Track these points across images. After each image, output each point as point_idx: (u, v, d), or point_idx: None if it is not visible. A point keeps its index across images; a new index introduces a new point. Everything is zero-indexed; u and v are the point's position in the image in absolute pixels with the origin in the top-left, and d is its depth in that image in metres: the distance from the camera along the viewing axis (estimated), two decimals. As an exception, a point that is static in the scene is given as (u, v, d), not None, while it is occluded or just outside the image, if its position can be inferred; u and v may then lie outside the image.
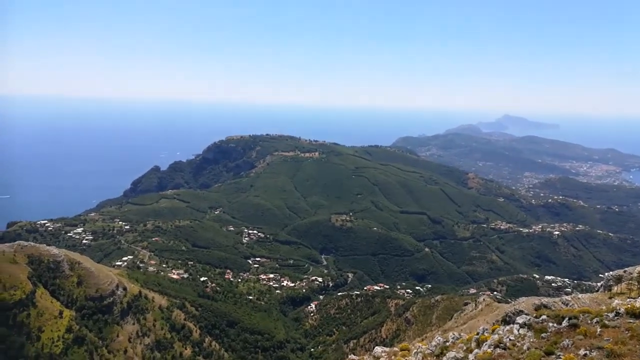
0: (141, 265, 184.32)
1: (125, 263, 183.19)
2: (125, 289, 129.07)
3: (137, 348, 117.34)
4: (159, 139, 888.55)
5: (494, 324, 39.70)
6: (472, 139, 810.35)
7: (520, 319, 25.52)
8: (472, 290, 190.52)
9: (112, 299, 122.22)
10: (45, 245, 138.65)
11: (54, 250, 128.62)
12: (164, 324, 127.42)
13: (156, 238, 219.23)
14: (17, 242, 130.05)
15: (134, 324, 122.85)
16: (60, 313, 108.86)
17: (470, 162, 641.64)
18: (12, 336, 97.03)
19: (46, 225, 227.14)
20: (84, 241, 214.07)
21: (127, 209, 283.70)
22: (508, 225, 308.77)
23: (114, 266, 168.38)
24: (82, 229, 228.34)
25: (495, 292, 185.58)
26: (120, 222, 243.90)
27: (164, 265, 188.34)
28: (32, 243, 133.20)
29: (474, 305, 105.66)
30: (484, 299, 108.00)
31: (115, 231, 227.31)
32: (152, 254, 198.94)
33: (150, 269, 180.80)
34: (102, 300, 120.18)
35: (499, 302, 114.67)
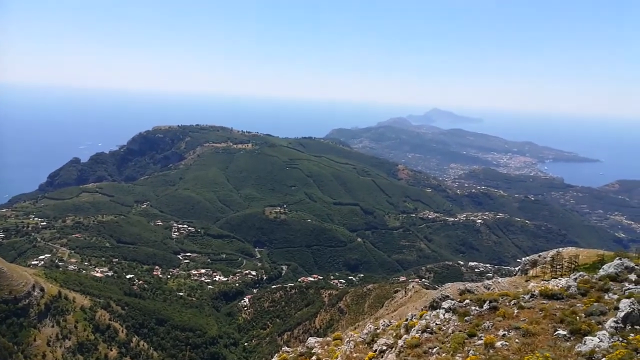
0: (60, 264, 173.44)
1: (42, 262, 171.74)
2: (42, 289, 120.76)
3: (57, 352, 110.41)
4: (77, 130, 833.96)
5: (422, 309, 40.79)
6: (402, 131, 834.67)
7: (445, 304, 26.16)
8: (402, 278, 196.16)
9: (27, 300, 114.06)
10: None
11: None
12: (86, 325, 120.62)
13: (77, 234, 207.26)
14: None
15: (53, 326, 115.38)
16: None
17: (400, 154, 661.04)
18: None
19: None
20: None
21: (43, 204, 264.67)
22: (435, 214, 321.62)
23: (29, 266, 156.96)
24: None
25: (423, 279, 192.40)
26: (35, 218, 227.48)
27: (85, 264, 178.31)
28: None
29: (403, 292, 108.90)
30: (413, 286, 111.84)
31: (30, 228, 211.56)
32: (73, 251, 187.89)
33: (71, 267, 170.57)
34: (16, 302, 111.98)
35: (427, 288, 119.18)
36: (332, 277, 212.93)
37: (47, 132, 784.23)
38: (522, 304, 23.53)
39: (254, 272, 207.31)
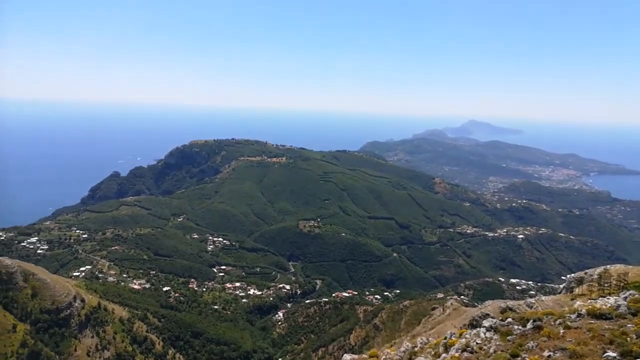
0: (100, 275, 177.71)
1: (83, 273, 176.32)
2: (83, 300, 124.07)
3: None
4: (118, 145, 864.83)
5: (461, 328, 39.04)
6: (438, 144, 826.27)
7: (486, 323, 24.92)
8: (440, 295, 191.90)
9: (69, 311, 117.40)
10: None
11: (6, 260, 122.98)
12: (124, 337, 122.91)
13: (116, 247, 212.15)
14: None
15: (92, 337, 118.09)
16: (14, 327, 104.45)
17: (436, 167, 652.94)
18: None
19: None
20: (39, 251, 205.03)
21: (84, 216, 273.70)
22: (474, 229, 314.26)
23: (71, 277, 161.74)
24: (36, 238, 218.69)
25: (462, 296, 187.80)
26: (77, 231, 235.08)
27: (124, 275, 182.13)
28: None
29: (441, 309, 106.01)
30: (451, 303, 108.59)
31: (72, 240, 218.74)
32: (112, 263, 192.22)
33: (110, 279, 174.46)
34: (58, 312, 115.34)
35: (466, 306, 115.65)
36: (367, 293, 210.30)
37: (89, 147, 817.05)
38: (569, 323, 22.37)
39: (288, 286, 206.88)
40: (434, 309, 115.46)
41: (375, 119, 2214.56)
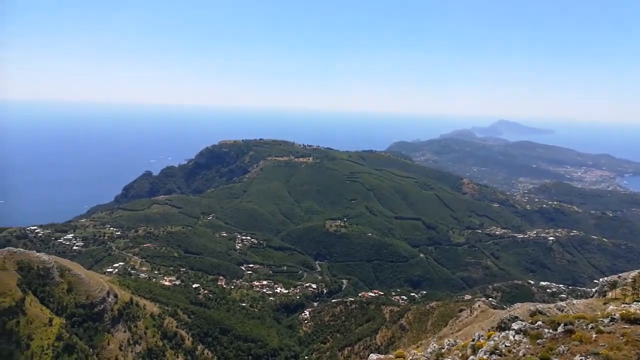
0: (132, 272, 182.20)
1: (116, 270, 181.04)
2: (116, 296, 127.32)
3: (128, 356, 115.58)
4: (150, 144, 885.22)
5: (489, 330, 38.98)
6: (466, 144, 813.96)
7: (515, 325, 24.96)
8: (467, 297, 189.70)
9: (102, 306, 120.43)
10: (35, 251, 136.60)
11: (43, 256, 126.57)
12: (155, 332, 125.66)
13: (148, 244, 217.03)
14: (6, 248, 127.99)
15: (125, 331, 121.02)
16: (50, 321, 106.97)
17: (464, 167, 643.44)
18: (1, 344, 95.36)
19: (36, 231, 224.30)
20: (75, 247, 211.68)
21: (118, 214, 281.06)
22: (503, 230, 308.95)
23: (104, 273, 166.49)
24: (72, 235, 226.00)
25: (490, 298, 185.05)
26: (111, 228, 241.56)
27: (155, 272, 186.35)
28: (21, 249, 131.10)
29: (469, 311, 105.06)
30: (479, 305, 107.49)
31: (106, 237, 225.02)
32: (144, 260, 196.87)
33: (142, 275, 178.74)
34: (92, 307, 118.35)
35: (494, 308, 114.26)
36: (393, 293, 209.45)
37: (122, 147, 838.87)
38: (601, 327, 22.15)
39: (314, 285, 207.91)
40: (461, 310, 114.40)
41: (402, 119, 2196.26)
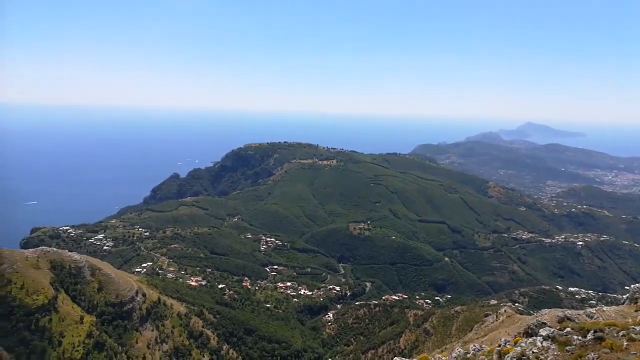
0: (160, 271, 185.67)
1: (145, 269, 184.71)
2: (144, 295, 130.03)
3: (156, 354, 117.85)
4: (177, 147, 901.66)
5: (516, 336, 38.68)
6: (492, 146, 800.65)
7: (543, 331, 24.81)
8: (493, 301, 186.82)
9: (131, 305, 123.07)
10: (67, 251, 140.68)
11: (75, 256, 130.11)
12: (182, 331, 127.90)
13: (175, 245, 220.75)
14: (40, 247, 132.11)
15: (152, 330, 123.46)
16: (81, 318, 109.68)
17: (490, 170, 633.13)
18: (35, 340, 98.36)
19: (68, 231, 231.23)
20: (105, 247, 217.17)
21: (146, 215, 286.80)
22: (530, 235, 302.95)
23: (133, 272, 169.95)
24: (103, 235, 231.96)
25: (516, 304, 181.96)
26: (140, 229, 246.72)
27: (182, 272, 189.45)
28: (54, 249, 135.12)
29: (495, 316, 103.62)
30: (505, 310, 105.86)
31: (135, 238, 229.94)
32: (171, 260, 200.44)
33: (169, 275, 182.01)
34: (121, 306, 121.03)
35: (520, 313, 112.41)
36: (417, 297, 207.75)
37: (150, 149, 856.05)
38: (633, 335, 21.82)
39: (338, 288, 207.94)
40: (486, 315, 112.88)
41: (426, 121, 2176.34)
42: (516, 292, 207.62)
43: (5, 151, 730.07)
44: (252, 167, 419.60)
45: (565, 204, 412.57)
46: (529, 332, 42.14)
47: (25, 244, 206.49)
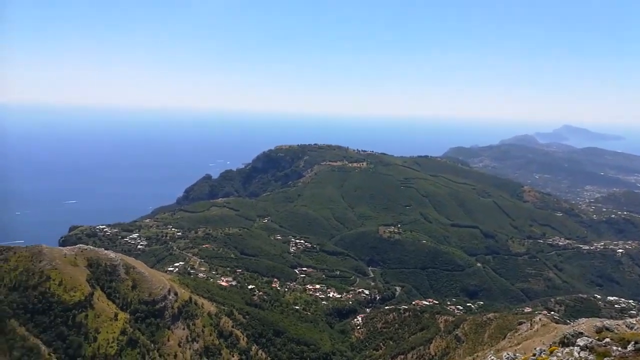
0: (192, 271, 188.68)
1: (177, 269, 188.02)
2: (176, 294, 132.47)
3: (187, 353, 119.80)
4: (209, 149, 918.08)
5: (551, 345, 37.43)
6: (528, 150, 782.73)
7: (581, 341, 23.91)
8: (527, 309, 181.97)
9: (163, 303, 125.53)
10: (103, 249, 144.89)
11: (111, 254, 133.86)
12: (212, 331, 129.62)
13: (206, 245, 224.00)
14: (77, 245, 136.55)
15: (184, 329, 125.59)
16: (116, 315, 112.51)
17: (526, 174, 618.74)
18: (72, 336, 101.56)
19: (104, 230, 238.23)
20: (139, 246, 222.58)
21: (179, 215, 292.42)
22: (567, 241, 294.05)
23: (166, 271, 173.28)
24: (137, 234, 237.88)
25: (552, 312, 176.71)
26: (172, 229, 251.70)
27: (213, 272, 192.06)
28: (91, 247, 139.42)
29: (529, 324, 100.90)
30: (540, 319, 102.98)
31: (167, 237, 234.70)
32: (203, 260, 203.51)
33: (200, 275, 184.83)
34: (154, 304, 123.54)
35: (556, 322, 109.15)
36: (448, 303, 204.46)
37: (184, 151, 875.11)
38: None
39: (367, 291, 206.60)
40: (520, 323, 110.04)
41: (459, 124, 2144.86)
42: (552, 300, 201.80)
43: (44, 151, 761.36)
44: (282, 168, 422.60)
45: (604, 209, 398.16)
46: (565, 342, 40.65)
47: (64, 242, 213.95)
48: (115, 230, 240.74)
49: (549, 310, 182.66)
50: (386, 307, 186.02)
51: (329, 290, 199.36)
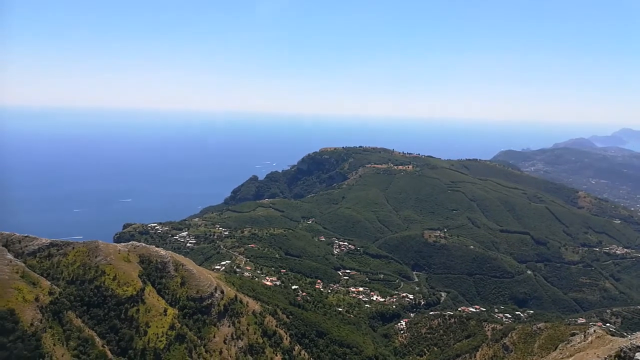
0: (237, 270, 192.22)
1: (224, 267, 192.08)
2: (222, 292, 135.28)
3: (232, 350, 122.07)
4: (256, 150, 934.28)
5: (606, 358, 35.71)
6: (584, 154, 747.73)
7: (639, 355, 22.70)
8: (581, 320, 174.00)
9: (210, 300, 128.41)
10: (154, 246, 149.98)
11: (161, 251, 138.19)
12: (256, 329, 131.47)
13: (252, 244, 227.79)
14: (130, 242, 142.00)
15: (229, 326, 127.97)
16: (165, 311, 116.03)
17: (581, 179, 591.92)
18: (124, 329, 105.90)
19: (156, 228, 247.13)
20: (188, 244, 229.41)
21: (226, 215, 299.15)
22: (625, 250, 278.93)
23: (213, 269, 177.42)
24: (186, 232, 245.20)
25: (608, 324, 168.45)
26: (220, 228, 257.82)
27: (258, 272, 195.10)
28: (143, 244, 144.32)
29: (582, 336, 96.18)
30: (594, 331, 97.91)
31: (215, 236, 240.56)
32: (248, 259, 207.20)
33: (246, 274, 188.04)
34: (201, 301, 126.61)
35: (612, 335, 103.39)
36: (496, 310, 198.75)
37: (232, 152, 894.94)
38: None
39: (411, 296, 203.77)
40: (573, 334, 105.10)
41: (510, 126, 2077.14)
42: (608, 311, 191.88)
43: (102, 152, 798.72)
44: (327, 171, 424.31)
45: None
46: (622, 356, 38.64)
47: (118, 239, 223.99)
48: (166, 228, 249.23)
49: (605, 321, 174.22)
50: (431, 313, 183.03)
51: (372, 293, 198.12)
